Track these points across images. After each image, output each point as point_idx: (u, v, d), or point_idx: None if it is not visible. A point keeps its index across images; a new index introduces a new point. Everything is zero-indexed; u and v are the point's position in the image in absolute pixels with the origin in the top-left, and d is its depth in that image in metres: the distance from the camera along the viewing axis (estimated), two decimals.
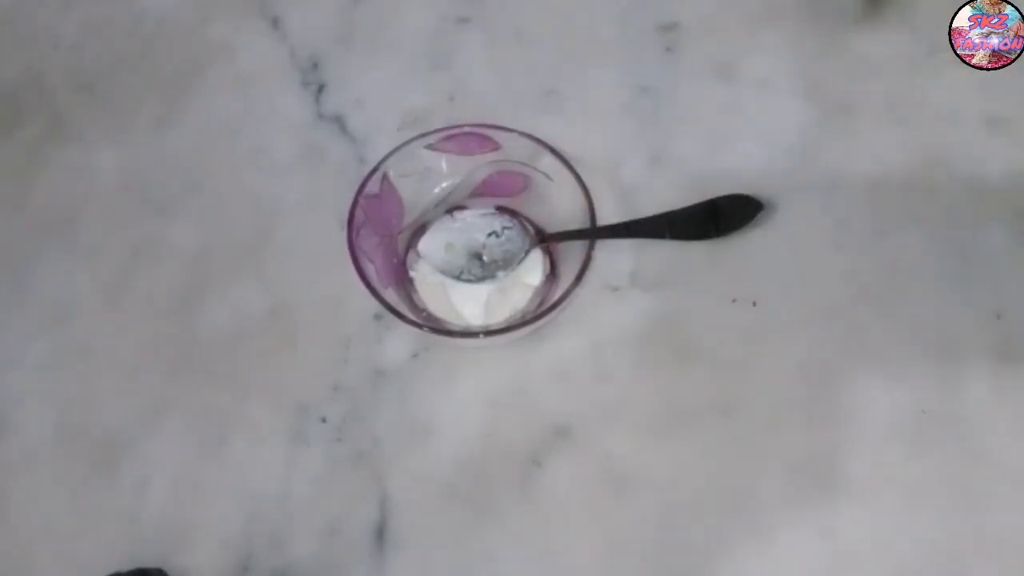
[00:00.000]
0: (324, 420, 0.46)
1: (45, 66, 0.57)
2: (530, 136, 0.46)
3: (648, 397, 0.45)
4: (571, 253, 0.45)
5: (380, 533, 0.44)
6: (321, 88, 0.55)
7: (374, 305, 0.48)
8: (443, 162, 0.48)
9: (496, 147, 0.47)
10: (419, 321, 0.43)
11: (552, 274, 0.47)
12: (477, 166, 0.48)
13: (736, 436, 0.44)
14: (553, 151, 0.45)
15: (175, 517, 0.45)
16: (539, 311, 0.44)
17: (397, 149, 0.46)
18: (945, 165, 0.50)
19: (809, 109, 0.52)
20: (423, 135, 0.46)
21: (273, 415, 0.47)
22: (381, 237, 0.47)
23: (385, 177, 0.46)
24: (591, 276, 0.43)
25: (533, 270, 0.47)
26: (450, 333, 0.44)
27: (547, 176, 0.46)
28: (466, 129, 0.47)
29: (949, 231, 0.48)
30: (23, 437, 0.47)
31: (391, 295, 0.45)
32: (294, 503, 0.45)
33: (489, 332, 0.43)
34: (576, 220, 0.44)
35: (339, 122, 0.54)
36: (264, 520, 0.44)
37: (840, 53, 0.53)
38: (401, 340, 0.48)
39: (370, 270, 0.44)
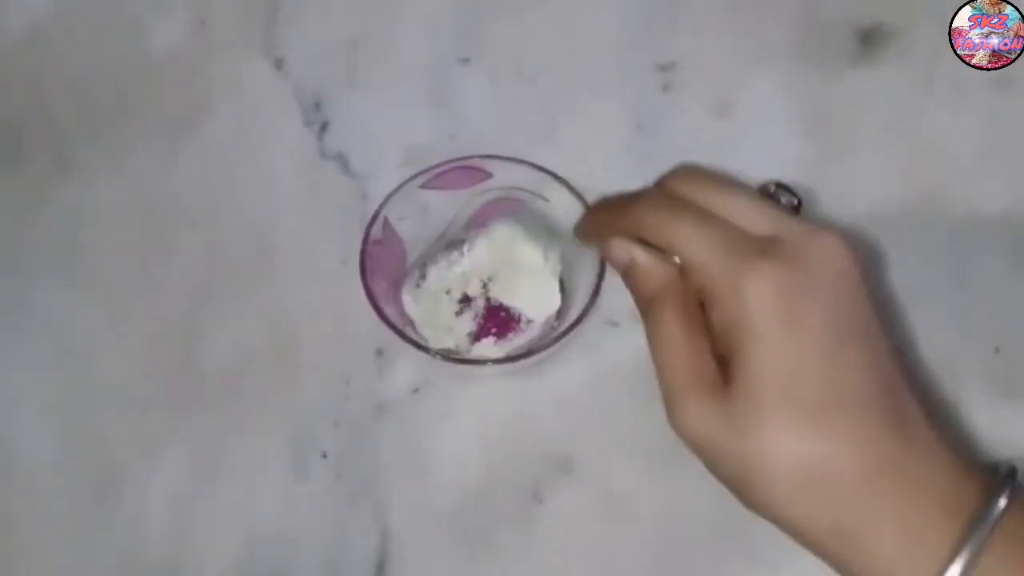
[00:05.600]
0: (324, 455, 0.46)
1: (51, 102, 0.58)
2: (519, 160, 0.47)
3: (649, 431, 0.45)
4: (579, 281, 0.46)
5: (381, 568, 0.44)
6: (323, 127, 0.56)
7: (375, 340, 0.48)
8: (438, 199, 0.48)
9: (487, 176, 0.48)
10: (437, 351, 0.44)
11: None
12: (470, 197, 0.48)
13: None
14: (542, 169, 0.46)
15: (175, 550, 0.45)
16: (544, 342, 0.44)
17: (394, 192, 0.47)
18: (942, 199, 0.50)
19: (806, 146, 0.53)
20: (416, 175, 0.47)
21: (273, 449, 0.47)
22: (389, 282, 0.47)
23: (386, 221, 0.47)
24: (591, 310, 0.44)
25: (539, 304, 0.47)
26: (462, 361, 0.45)
27: (543, 198, 0.47)
28: (456, 164, 0.47)
29: (946, 265, 0.49)
30: (22, 469, 0.47)
31: (415, 334, 0.46)
32: (294, 537, 0.45)
33: (497, 361, 0.44)
34: None
35: (341, 160, 0.54)
36: (264, 554, 0.44)
37: (836, 90, 0.54)
38: (402, 375, 0.48)
39: (391, 315, 0.44)
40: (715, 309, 0.32)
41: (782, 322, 0.30)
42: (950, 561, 0.28)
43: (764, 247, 0.32)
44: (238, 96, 0.57)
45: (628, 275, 0.35)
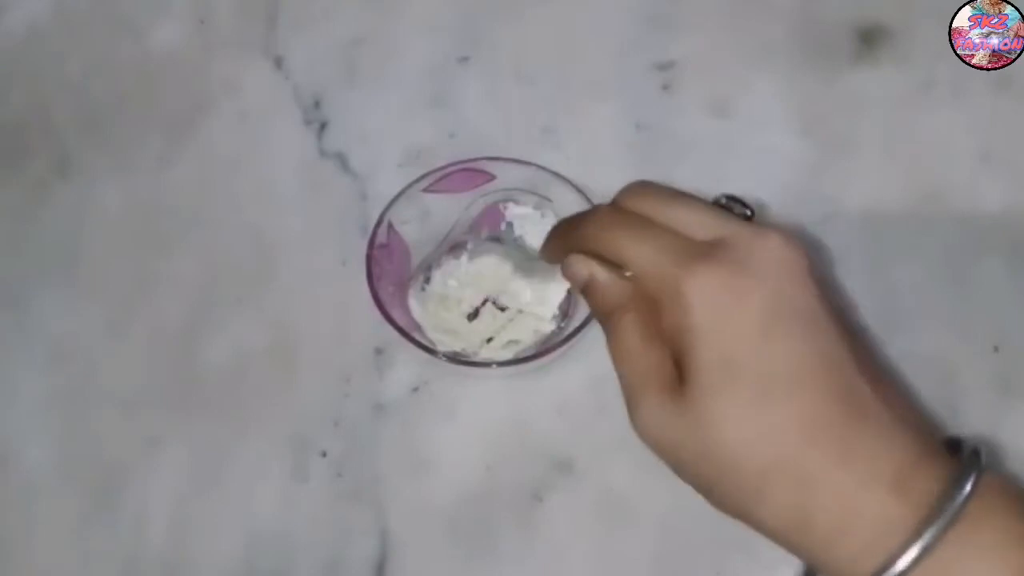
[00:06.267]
0: (324, 454, 0.46)
1: (51, 103, 0.58)
2: (522, 161, 0.47)
3: None
4: None
5: (380, 568, 0.44)
6: (323, 126, 0.56)
7: (374, 340, 0.48)
8: (441, 201, 0.48)
9: (490, 178, 0.48)
10: (444, 354, 0.44)
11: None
12: (472, 200, 0.48)
13: None
14: (546, 170, 0.47)
15: (175, 552, 0.45)
16: (548, 345, 0.44)
17: (398, 196, 0.47)
18: (941, 199, 0.51)
19: (806, 146, 0.53)
20: (419, 179, 0.47)
21: (273, 449, 0.47)
22: (395, 285, 0.47)
23: (390, 226, 0.47)
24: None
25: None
26: (470, 364, 0.45)
27: (547, 198, 0.47)
28: (458, 166, 0.48)
29: (946, 265, 0.49)
30: (22, 472, 0.47)
31: (422, 336, 0.46)
32: (294, 538, 0.45)
33: (503, 363, 0.44)
34: None
35: (340, 159, 0.54)
36: (264, 555, 0.44)
37: (836, 90, 0.54)
38: (401, 375, 0.48)
39: (398, 319, 0.45)
40: (663, 315, 0.33)
41: (719, 313, 0.31)
42: (904, 549, 0.28)
43: (705, 251, 0.32)
44: (238, 96, 0.57)
45: (587, 291, 0.36)
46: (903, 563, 0.28)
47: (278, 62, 0.58)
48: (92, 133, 0.57)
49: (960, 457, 0.31)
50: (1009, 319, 0.47)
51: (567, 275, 0.37)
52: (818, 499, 0.30)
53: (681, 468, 0.33)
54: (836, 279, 0.48)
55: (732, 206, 0.36)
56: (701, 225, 0.34)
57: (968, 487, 0.29)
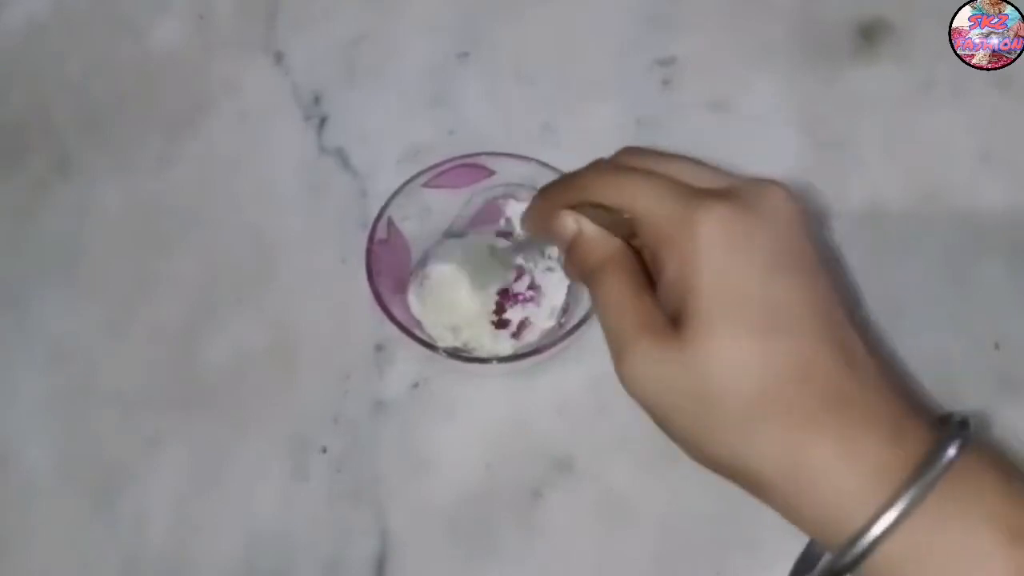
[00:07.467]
0: (324, 451, 0.46)
1: (51, 103, 0.58)
2: (521, 156, 0.47)
3: (649, 430, 0.45)
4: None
5: (381, 567, 0.44)
6: (323, 122, 0.56)
7: (374, 336, 0.48)
8: (440, 197, 0.48)
9: (490, 174, 0.48)
10: (444, 350, 0.44)
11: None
12: (472, 195, 0.49)
13: None
14: (546, 165, 0.47)
15: (175, 552, 0.45)
16: (551, 340, 0.44)
17: (397, 192, 0.47)
18: (941, 198, 0.51)
19: (805, 143, 0.53)
20: (419, 174, 0.47)
21: (273, 448, 0.47)
22: (394, 281, 0.47)
23: (390, 221, 0.47)
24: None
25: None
26: (470, 360, 0.45)
27: None
28: (458, 162, 0.48)
29: (946, 263, 0.49)
30: (22, 472, 0.47)
31: (422, 333, 0.46)
32: (294, 538, 0.45)
33: (503, 359, 0.44)
34: None
35: (340, 156, 0.54)
36: (265, 554, 0.44)
37: (835, 88, 0.54)
38: (401, 371, 0.48)
39: (397, 315, 0.44)
40: (668, 256, 0.33)
41: (730, 250, 0.31)
42: (895, 498, 0.28)
43: (714, 193, 0.33)
44: (238, 93, 0.57)
45: (574, 247, 0.36)
46: (891, 515, 0.28)
47: (278, 58, 0.58)
48: (92, 133, 0.57)
49: (948, 425, 0.31)
50: (1009, 318, 0.47)
51: (554, 232, 0.37)
52: (811, 439, 0.30)
53: (670, 414, 0.32)
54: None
55: None
56: (703, 176, 0.34)
57: (955, 445, 0.29)
